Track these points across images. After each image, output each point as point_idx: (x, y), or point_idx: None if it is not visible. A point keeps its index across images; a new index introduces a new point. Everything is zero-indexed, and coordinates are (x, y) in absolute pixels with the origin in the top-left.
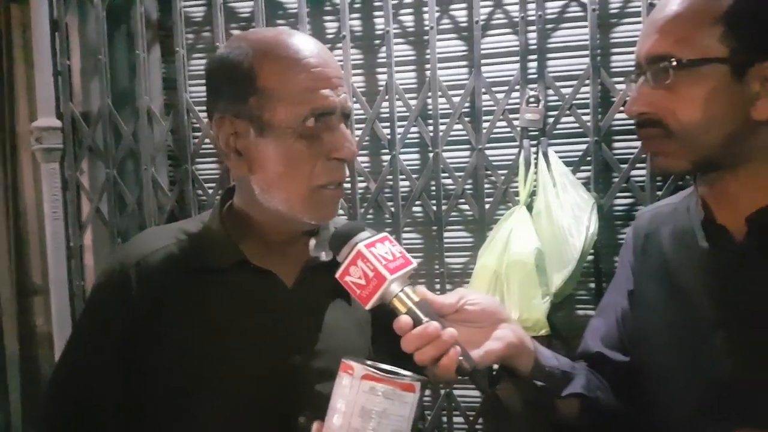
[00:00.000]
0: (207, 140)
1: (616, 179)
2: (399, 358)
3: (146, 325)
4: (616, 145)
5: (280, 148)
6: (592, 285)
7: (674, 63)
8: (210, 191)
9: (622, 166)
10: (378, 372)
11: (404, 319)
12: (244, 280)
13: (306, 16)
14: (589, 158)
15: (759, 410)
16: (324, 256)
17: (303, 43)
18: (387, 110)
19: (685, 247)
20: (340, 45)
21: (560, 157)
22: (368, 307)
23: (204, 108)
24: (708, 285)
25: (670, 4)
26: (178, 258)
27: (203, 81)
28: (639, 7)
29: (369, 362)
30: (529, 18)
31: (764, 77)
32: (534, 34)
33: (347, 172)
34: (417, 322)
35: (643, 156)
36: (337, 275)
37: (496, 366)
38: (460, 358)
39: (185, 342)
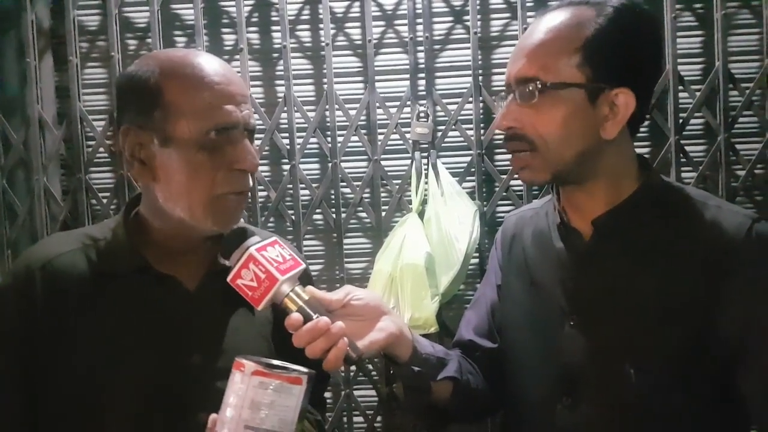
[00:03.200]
0: (101, 149)
1: (497, 188)
2: (298, 355)
3: (50, 328)
4: (497, 157)
5: (183, 158)
6: (477, 285)
7: (539, 85)
8: (104, 201)
9: (503, 176)
10: (267, 368)
11: (294, 317)
12: (146, 285)
13: (203, 28)
14: (473, 169)
15: (599, 387)
16: (227, 262)
17: (208, 63)
18: (286, 121)
19: (543, 246)
20: (238, 57)
21: (447, 169)
22: (260, 307)
23: (99, 117)
24: (560, 279)
25: (538, 32)
26: (83, 262)
27: (98, 90)
28: (516, 31)
29: (262, 359)
30: (418, 39)
31: (612, 102)
32: (422, 54)
33: (250, 183)
34: (307, 318)
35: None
36: (228, 279)
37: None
38: (348, 349)
39: (88, 345)
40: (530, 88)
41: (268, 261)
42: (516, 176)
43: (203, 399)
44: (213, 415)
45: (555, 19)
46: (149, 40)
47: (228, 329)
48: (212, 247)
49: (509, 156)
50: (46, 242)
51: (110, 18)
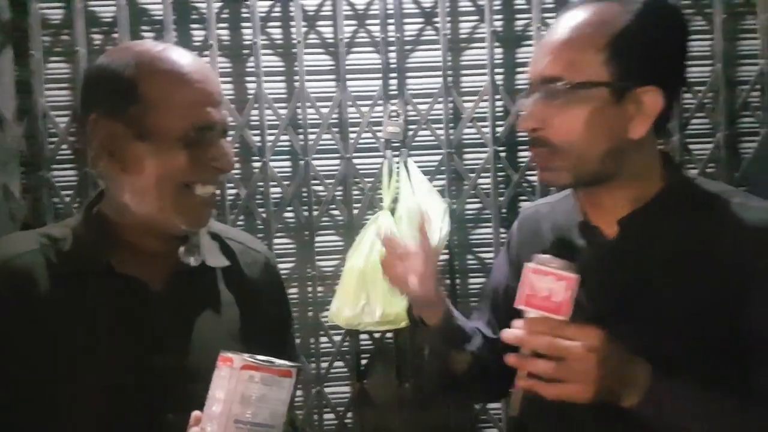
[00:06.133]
0: (64, 146)
1: (466, 187)
2: (267, 354)
3: (10, 330)
4: (466, 156)
5: (160, 154)
6: (447, 280)
7: (564, 85)
8: (67, 199)
9: (471, 175)
10: (256, 361)
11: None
12: (109, 287)
13: (172, 23)
14: (443, 168)
15: None
16: (193, 262)
17: (187, 60)
18: (257, 119)
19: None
20: (207, 53)
21: (418, 167)
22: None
23: (62, 113)
24: (583, 276)
25: (562, 30)
26: (41, 264)
27: (61, 85)
28: (484, 33)
29: (247, 354)
30: (390, 39)
31: (639, 101)
32: (394, 54)
33: (220, 181)
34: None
35: (488, 166)
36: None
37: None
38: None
39: (49, 349)
40: (555, 87)
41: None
42: (485, 174)
43: (172, 400)
44: (196, 413)
45: (579, 16)
46: (116, 35)
47: (196, 330)
48: (177, 246)
49: (482, 155)
50: (2, 243)
51: (75, 12)
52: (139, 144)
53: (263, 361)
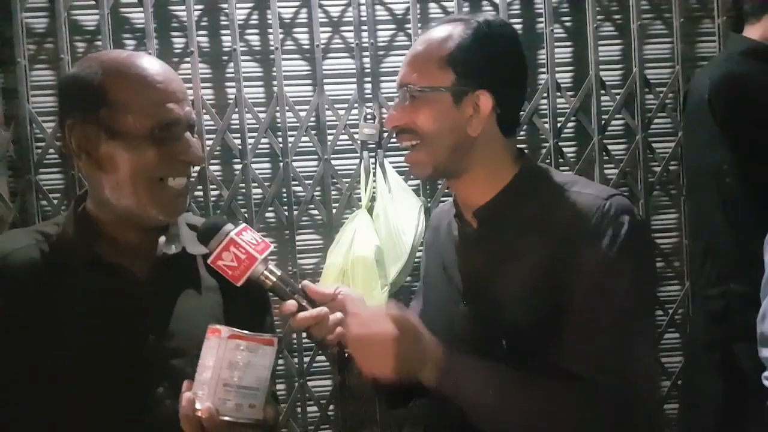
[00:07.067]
0: (51, 150)
1: (440, 186)
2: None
3: (8, 321)
4: None
5: (129, 151)
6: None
7: (413, 89)
8: (55, 201)
9: None
10: (242, 332)
11: (289, 304)
12: (98, 275)
13: (153, 31)
14: None
15: (486, 355)
16: (173, 249)
17: (149, 64)
18: (237, 122)
19: (448, 235)
20: (188, 60)
21: (394, 167)
22: (239, 283)
23: (48, 119)
24: (457, 264)
25: (417, 45)
26: (36, 257)
27: (47, 92)
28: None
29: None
30: (363, 44)
31: (475, 103)
32: (368, 59)
33: (191, 172)
34: (281, 293)
35: None
36: (210, 261)
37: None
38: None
39: (46, 335)
40: (407, 91)
41: (246, 243)
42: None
43: (160, 376)
44: (187, 381)
45: (431, 33)
46: (98, 43)
47: (180, 312)
48: (158, 235)
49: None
50: (1, 239)
51: (59, 20)
52: (111, 143)
53: (248, 332)
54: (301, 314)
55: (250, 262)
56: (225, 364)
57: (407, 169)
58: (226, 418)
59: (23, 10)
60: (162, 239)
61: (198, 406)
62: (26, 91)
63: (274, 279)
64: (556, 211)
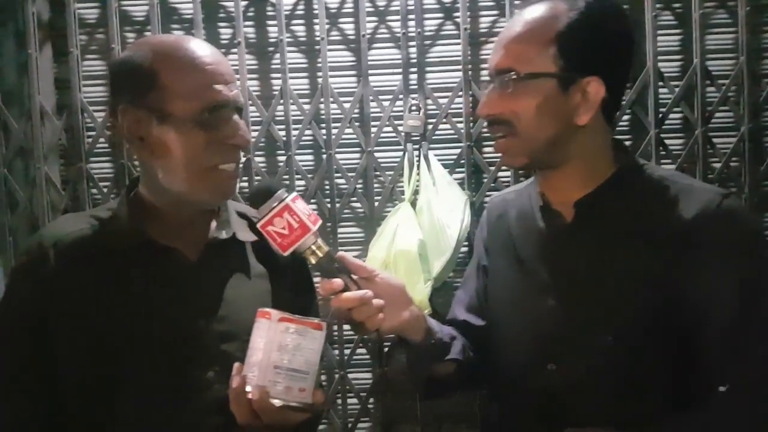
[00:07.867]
0: (101, 139)
1: (486, 179)
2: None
3: (63, 302)
4: (486, 149)
5: (180, 135)
6: None
7: (514, 76)
8: (105, 190)
9: (491, 167)
10: (292, 315)
11: (337, 282)
12: (150, 257)
13: (201, 21)
14: (463, 161)
15: (580, 356)
16: (224, 234)
17: (198, 46)
18: (282, 114)
19: (526, 227)
20: (234, 51)
21: (439, 160)
22: (286, 253)
23: (99, 108)
24: (543, 257)
25: (515, 26)
26: (90, 241)
27: (97, 82)
28: (504, 27)
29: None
30: (410, 34)
31: (584, 90)
32: (414, 49)
33: (241, 157)
34: (327, 273)
35: None
36: (259, 225)
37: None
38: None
39: (99, 316)
40: (506, 78)
41: (301, 212)
42: (504, 168)
43: (210, 360)
44: (237, 364)
45: (531, 13)
46: (148, 33)
47: (229, 296)
48: (210, 220)
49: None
50: (57, 223)
51: (110, 11)
52: (162, 127)
53: (297, 316)
54: (347, 294)
55: (303, 231)
56: (275, 347)
57: (451, 161)
58: (276, 401)
59: (76, 1)
60: (213, 224)
61: (248, 388)
62: (78, 81)
63: (321, 255)
64: (667, 205)
